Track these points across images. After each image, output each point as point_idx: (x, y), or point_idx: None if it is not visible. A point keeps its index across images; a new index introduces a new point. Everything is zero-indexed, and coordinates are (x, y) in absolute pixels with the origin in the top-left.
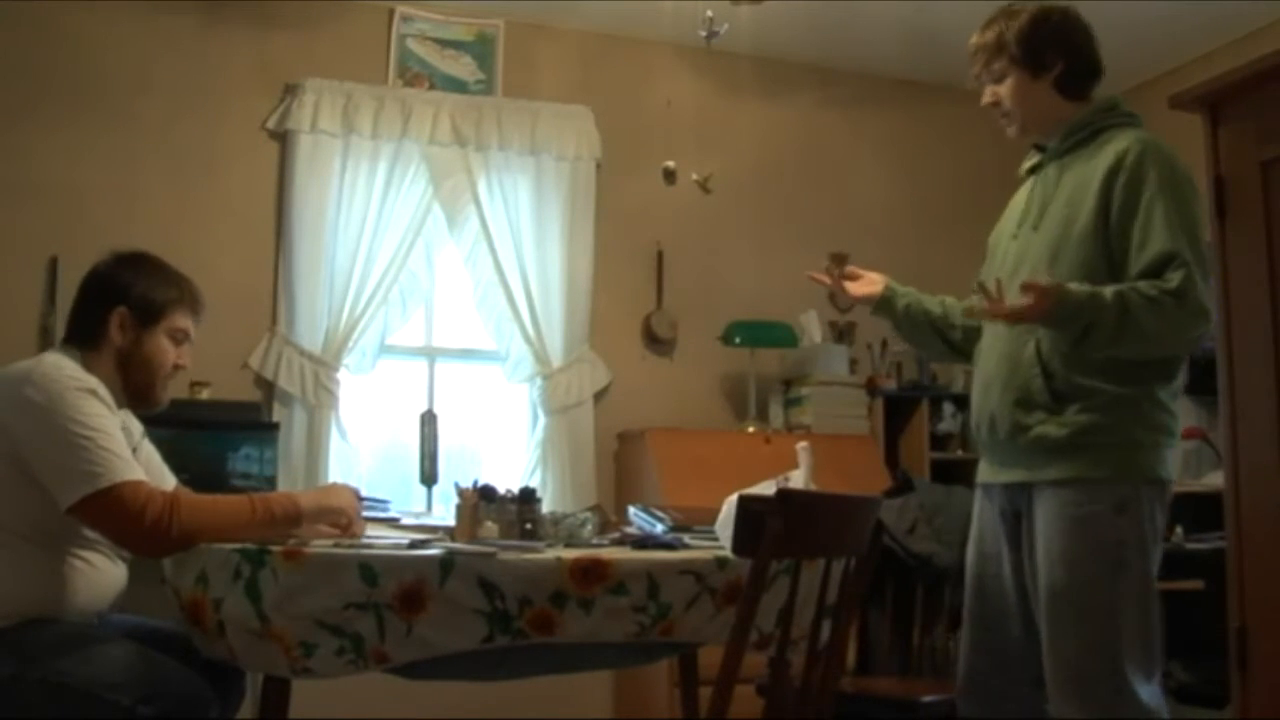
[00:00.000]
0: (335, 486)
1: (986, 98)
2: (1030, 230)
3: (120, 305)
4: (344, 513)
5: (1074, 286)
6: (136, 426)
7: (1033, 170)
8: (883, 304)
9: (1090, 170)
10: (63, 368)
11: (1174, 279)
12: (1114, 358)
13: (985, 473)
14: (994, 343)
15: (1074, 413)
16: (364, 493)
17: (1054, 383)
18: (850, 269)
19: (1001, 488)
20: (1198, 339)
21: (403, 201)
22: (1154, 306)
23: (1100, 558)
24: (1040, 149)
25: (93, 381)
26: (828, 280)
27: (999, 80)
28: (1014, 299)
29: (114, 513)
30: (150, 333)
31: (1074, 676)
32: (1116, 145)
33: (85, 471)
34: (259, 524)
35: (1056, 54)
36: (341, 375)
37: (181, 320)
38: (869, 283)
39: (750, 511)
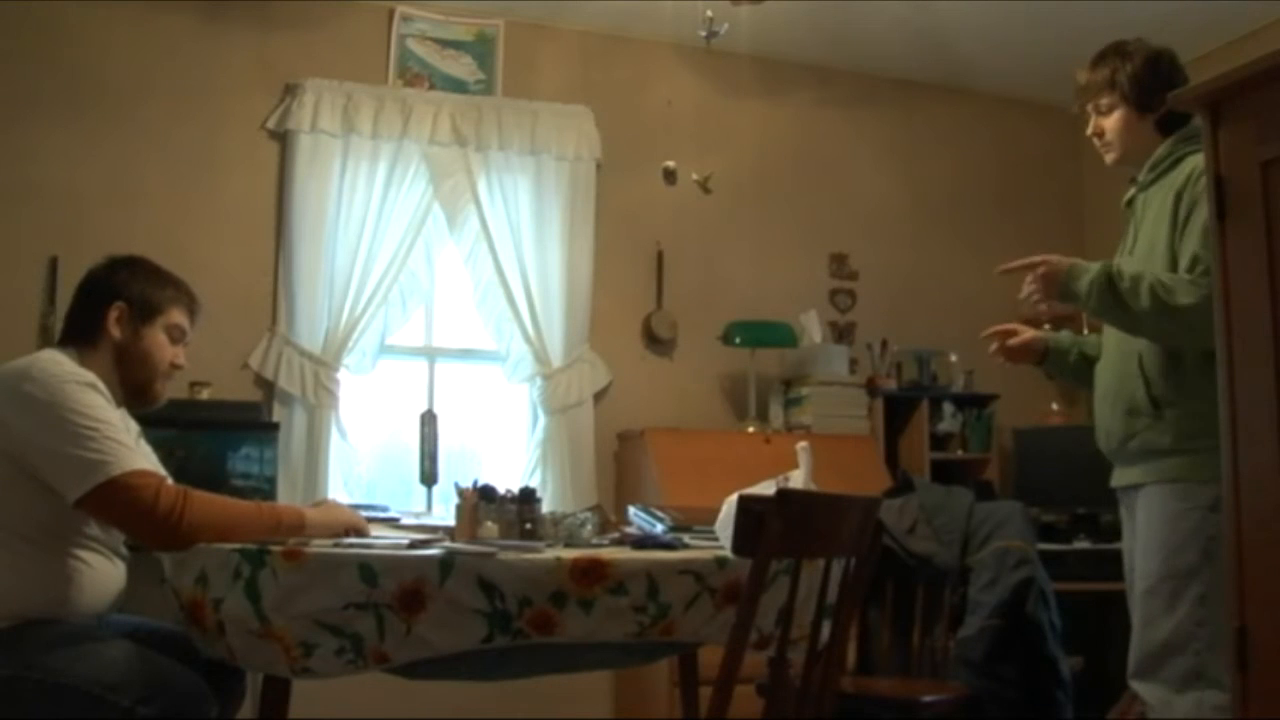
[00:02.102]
0: (338, 507)
1: (1091, 129)
2: (1128, 256)
3: (118, 301)
4: (349, 530)
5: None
6: (133, 427)
7: (1129, 204)
8: (1054, 360)
9: (1166, 194)
10: (61, 362)
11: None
12: (1206, 370)
13: (1114, 479)
14: (1107, 363)
15: (1174, 419)
16: (362, 501)
17: (1153, 391)
18: (1012, 332)
19: (1122, 491)
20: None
21: (403, 201)
22: (1151, 292)
23: (1196, 549)
24: (1134, 181)
25: (91, 376)
26: (1000, 357)
27: (1106, 114)
28: (1115, 331)
29: (126, 501)
30: (148, 328)
31: (1159, 656)
32: (1186, 166)
33: (94, 462)
34: (264, 529)
35: (1163, 97)
36: (341, 375)
37: (178, 318)
38: (1026, 341)
39: (750, 511)
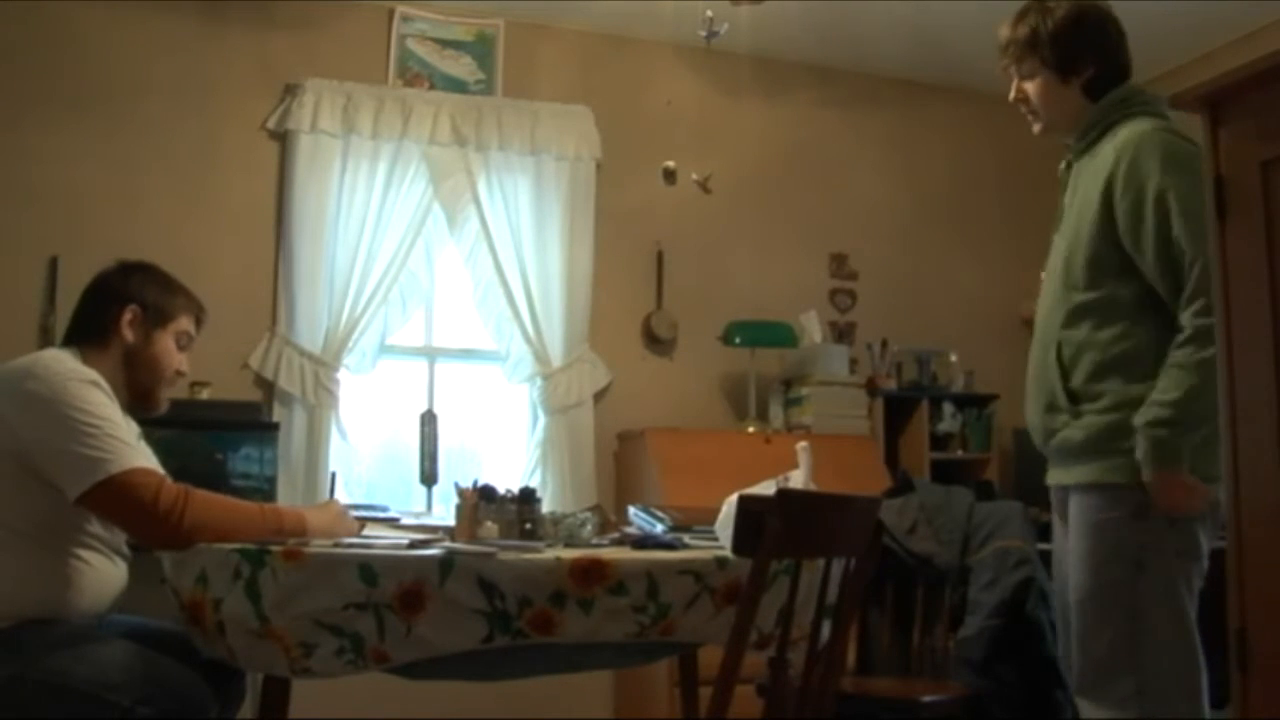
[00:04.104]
0: (341, 515)
1: (1014, 93)
2: (1058, 231)
3: (132, 304)
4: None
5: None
6: (133, 427)
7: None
8: None
9: (1097, 166)
10: (63, 360)
11: (1190, 289)
12: (1122, 355)
13: (1047, 476)
14: (1032, 351)
15: (1090, 414)
16: (361, 501)
17: (1069, 384)
18: None
19: (1053, 490)
20: None
21: (403, 201)
22: (1197, 350)
23: (1120, 561)
24: (1069, 148)
25: (94, 374)
26: None
27: (1028, 78)
28: (1047, 302)
29: (127, 499)
30: (159, 333)
31: (1096, 677)
32: (1119, 138)
33: (96, 459)
34: (265, 531)
35: (1088, 59)
36: (341, 375)
37: (187, 325)
38: None
39: (750, 511)
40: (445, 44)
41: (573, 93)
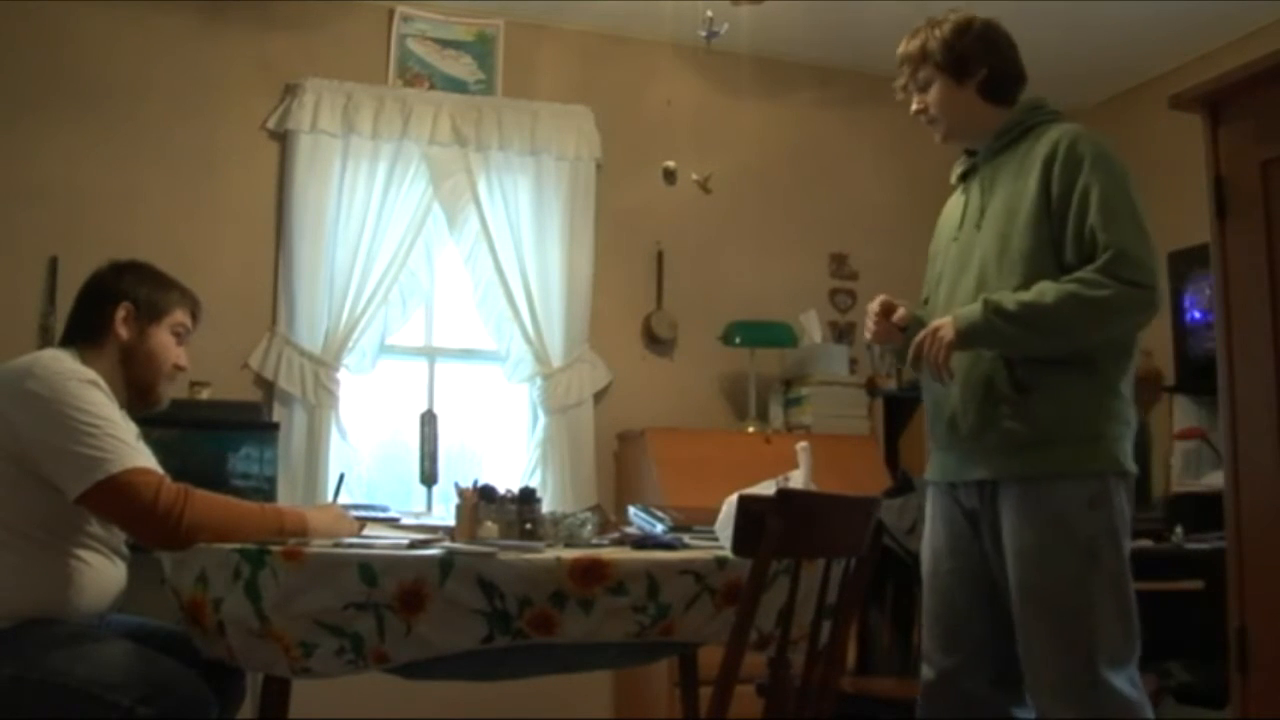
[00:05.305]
0: (342, 516)
1: (914, 105)
2: (973, 229)
3: (125, 301)
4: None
5: (965, 312)
6: (132, 427)
7: (964, 177)
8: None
9: (1029, 162)
10: (62, 360)
11: (1103, 263)
12: (1076, 352)
13: (942, 471)
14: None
15: (1039, 405)
16: (361, 501)
17: (1016, 373)
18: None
19: (963, 486)
20: (1141, 317)
21: (403, 201)
22: (1081, 287)
23: (1073, 553)
24: (970, 154)
25: (93, 374)
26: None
27: (925, 88)
28: (963, 299)
29: (126, 498)
30: (155, 328)
31: (1053, 675)
32: (1051, 136)
33: (95, 458)
34: (266, 531)
35: (980, 61)
36: (341, 375)
37: (183, 317)
38: (904, 318)
39: (750, 511)
40: (445, 44)
41: (573, 93)
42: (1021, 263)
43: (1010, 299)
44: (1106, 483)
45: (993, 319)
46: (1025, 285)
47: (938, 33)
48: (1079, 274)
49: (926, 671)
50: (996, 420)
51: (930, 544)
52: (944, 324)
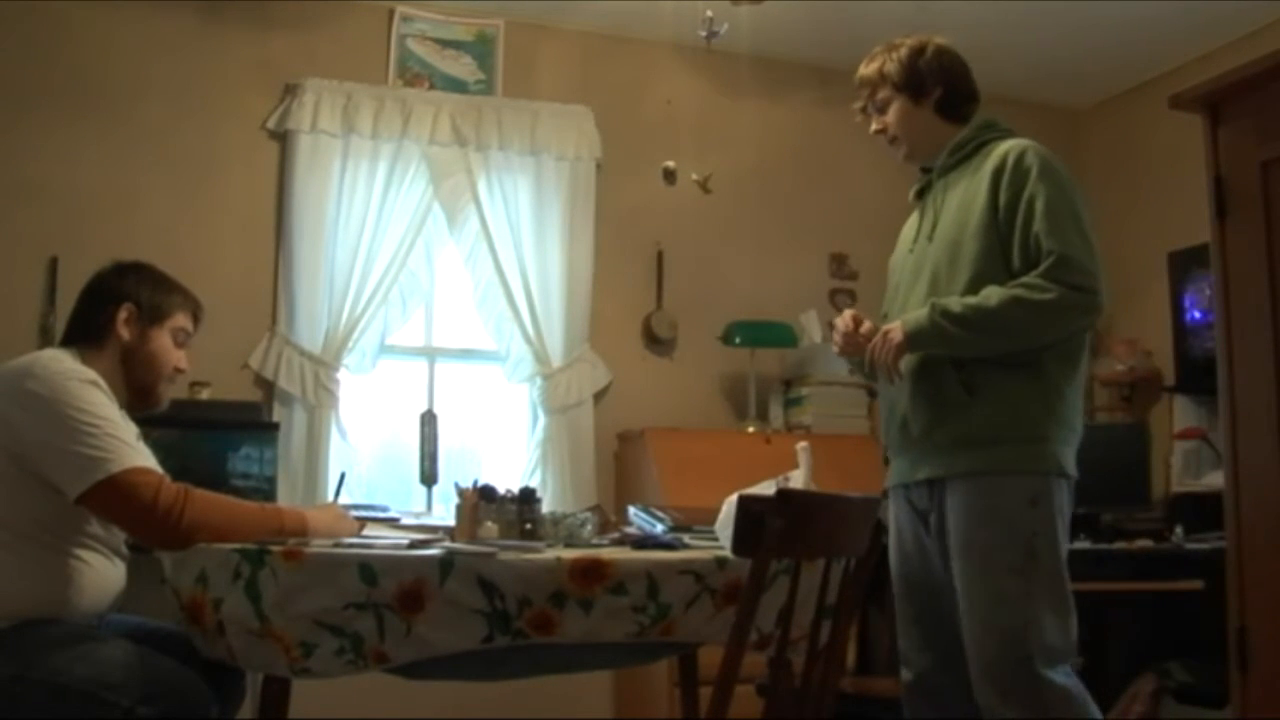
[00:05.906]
0: (342, 516)
1: (874, 125)
2: (926, 242)
3: (127, 303)
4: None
5: (913, 315)
6: (132, 428)
7: (920, 194)
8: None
9: (979, 175)
10: (62, 360)
11: (1046, 267)
12: (1018, 355)
13: (898, 474)
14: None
15: (986, 407)
16: (361, 501)
17: (963, 375)
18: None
19: (915, 486)
20: (1084, 320)
21: (403, 201)
22: (1027, 291)
23: (1013, 549)
24: (926, 171)
25: (93, 374)
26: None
27: (883, 109)
28: (915, 307)
29: (126, 498)
30: (156, 330)
31: (993, 669)
32: (1000, 150)
33: (95, 458)
34: (265, 531)
35: (935, 80)
36: (341, 375)
37: (184, 321)
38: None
39: (750, 511)
40: (445, 44)
41: (573, 93)
42: (970, 269)
43: (956, 302)
44: (1048, 482)
45: (939, 321)
46: (974, 291)
47: (895, 55)
48: (1024, 279)
49: (905, 673)
50: (944, 420)
51: (895, 548)
52: (894, 327)
